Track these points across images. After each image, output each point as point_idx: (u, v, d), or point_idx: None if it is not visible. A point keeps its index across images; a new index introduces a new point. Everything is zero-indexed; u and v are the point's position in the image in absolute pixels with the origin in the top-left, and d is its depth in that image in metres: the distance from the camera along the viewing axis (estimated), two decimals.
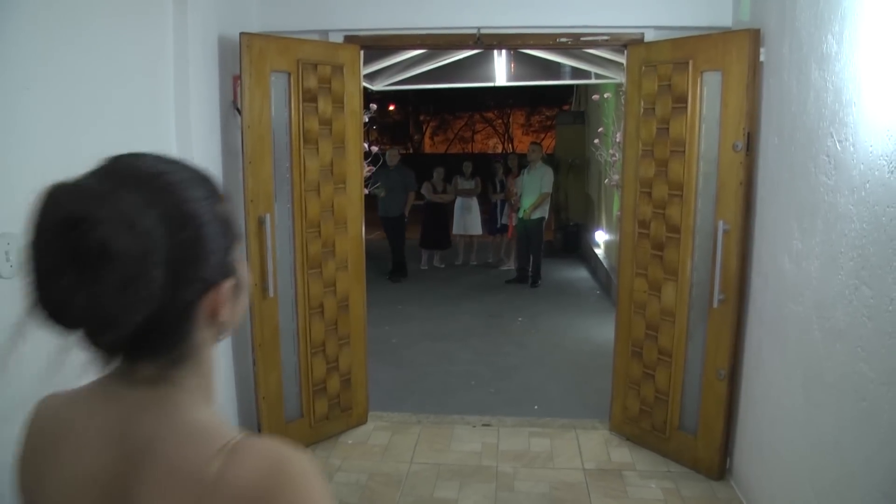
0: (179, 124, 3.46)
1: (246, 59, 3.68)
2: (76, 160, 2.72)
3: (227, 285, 0.90)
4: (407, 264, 10.09)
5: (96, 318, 0.78)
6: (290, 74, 3.88)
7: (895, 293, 2.19)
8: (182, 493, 0.79)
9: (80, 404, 0.94)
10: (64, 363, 0.86)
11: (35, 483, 0.92)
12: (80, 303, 0.77)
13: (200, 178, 0.93)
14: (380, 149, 5.48)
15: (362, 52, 4.24)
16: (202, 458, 0.80)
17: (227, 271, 0.90)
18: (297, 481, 0.81)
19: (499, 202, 10.72)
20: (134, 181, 0.86)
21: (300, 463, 0.82)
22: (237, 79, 3.78)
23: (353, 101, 4.20)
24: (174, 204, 0.84)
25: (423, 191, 10.70)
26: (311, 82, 3.95)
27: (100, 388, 0.91)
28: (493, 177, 10.96)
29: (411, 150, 32.03)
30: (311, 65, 3.94)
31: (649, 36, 4.08)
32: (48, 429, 0.95)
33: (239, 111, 3.79)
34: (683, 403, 4.02)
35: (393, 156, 9.46)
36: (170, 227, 0.81)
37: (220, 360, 3.77)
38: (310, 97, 3.96)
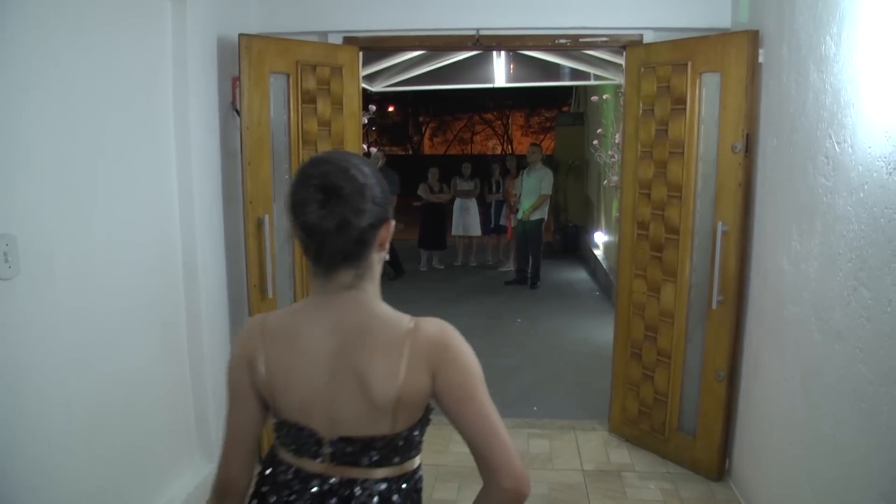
0: (178, 125, 3.46)
1: (245, 61, 3.68)
2: (74, 162, 2.74)
3: (392, 223, 1.46)
4: (402, 263, 10.09)
5: (332, 228, 1.34)
6: (289, 76, 3.88)
7: (893, 295, 2.19)
8: (391, 345, 1.39)
9: (299, 314, 1.49)
10: None
11: (280, 364, 1.45)
12: (325, 221, 1.34)
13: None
14: (378, 149, 5.48)
15: (361, 54, 4.24)
16: (400, 326, 1.42)
17: (391, 215, 1.46)
18: (452, 332, 1.45)
19: (494, 203, 10.72)
20: (352, 156, 1.43)
21: (450, 326, 1.46)
22: (236, 80, 3.78)
23: (352, 103, 4.20)
24: (372, 171, 1.42)
25: (419, 192, 10.70)
26: (310, 83, 3.95)
27: (311, 302, 1.48)
28: (489, 178, 10.96)
29: (411, 152, 32.04)
30: (310, 66, 3.94)
31: (648, 37, 4.08)
32: (284, 330, 1.47)
33: (238, 112, 3.79)
34: (682, 404, 4.02)
35: (376, 158, 9.46)
36: (370, 182, 1.38)
37: (218, 363, 3.78)
38: (309, 98, 3.96)
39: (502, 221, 10.70)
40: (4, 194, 2.32)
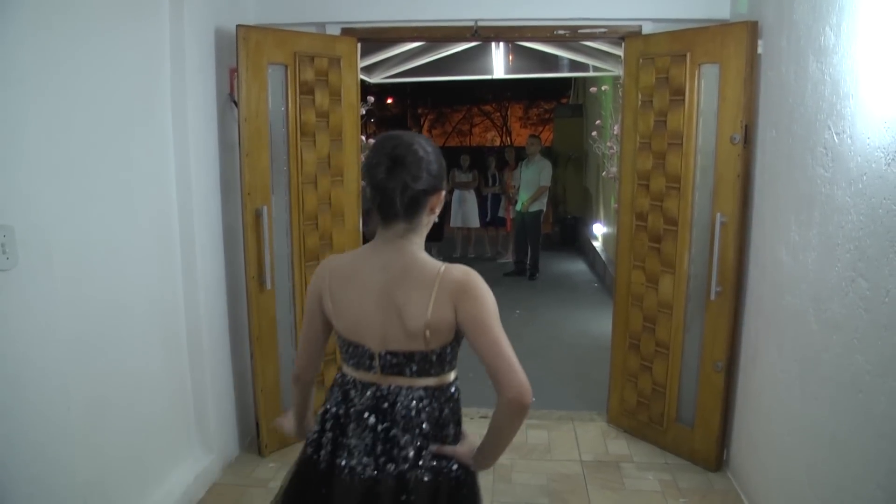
0: (176, 117, 3.46)
1: (242, 52, 3.67)
2: (72, 153, 2.73)
3: (442, 193, 1.85)
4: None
5: (394, 188, 1.73)
6: (286, 67, 3.87)
7: (891, 285, 2.20)
8: (424, 284, 1.77)
9: (359, 256, 1.92)
10: None
11: (341, 294, 1.88)
12: (389, 182, 1.73)
13: None
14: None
15: (359, 45, 4.23)
16: (433, 269, 1.79)
17: (443, 186, 1.85)
18: (474, 276, 1.81)
19: (490, 196, 10.71)
20: (418, 136, 1.82)
21: (474, 271, 1.82)
22: (234, 71, 3.77)
23: (351, 94, 4.19)
24: (433, 150, 1.81)
25: None
26: (308, 75, 3.94)
27: (370, 247, 1.88)
28: (485, 170, 10.95)
29: None
30: (308, 57, 3.93)
31: (647, 28, 4.07)
32: (345, 269, 1.90)
33: (236, 104, 3.78)
34: (681, 395, 4.03)
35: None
36: (429, 157, 1.77)
37: (216, 354, 3.79)
38: (307, 90, 3.95)
39: (500, 213, 10.70)
40: (1, 185, 2.31)
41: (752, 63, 3.49)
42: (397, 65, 7.28)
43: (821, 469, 2.71)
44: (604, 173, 7.04)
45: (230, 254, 3.95)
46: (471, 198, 10.71)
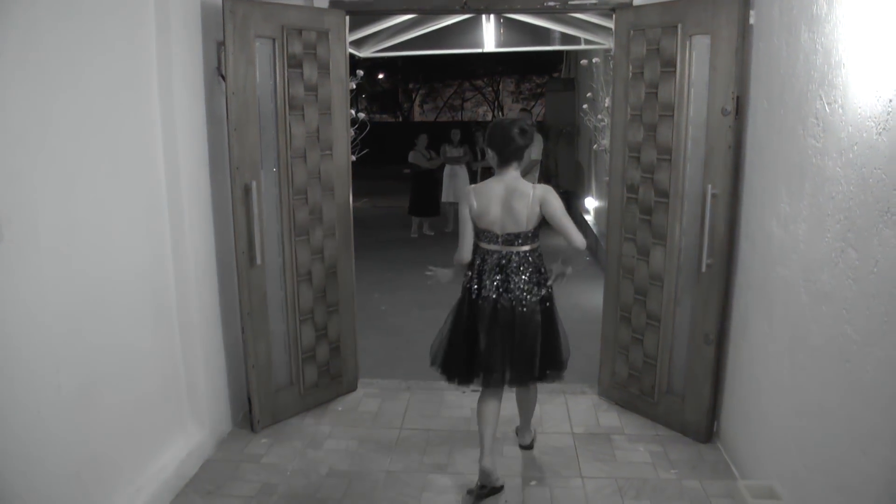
0: (162, 91, 3.42)
1: (230, 25, 3.62)
2: (56, 130, 2.69)
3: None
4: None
5: (519, 144, 3.32)
6: (274, 40, 3.82)
7: (880, 255, 2.20)
8: (525, 195, 3.30)
9: (489, 183, 3.40)
10: None
11: (479, 204, 3.35)
12: (521, 141, 3.32)
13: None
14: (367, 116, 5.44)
15: (348, 18, 4.18)
16: (528, 188, 3.32)
17: (533, 143, 3.47)
18: (550, 191, 3.36)
19: (480, 171, 10.68)
20: (522, 119, 3.67)
21: (551, 188, 3.38)
22: (221, 45, 3.72)
23: (339, 68, 4.15)
24: (531, 126, 3.49)
25: (409, 159, 10.65)
26: (297, 48, 3.90)
27: (493, 179, 3.40)
28: (473, 145, 10.89)
29: (401, 119, 31.83)
30: (296, 30, 3.89)
31: (638, 0, 4.03)
32: (482, 189, 3.39)
33: (223, 78, 3.74)
34: (671, 368, 4.05)
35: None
36: (532, 131, 3.40)
37: (207, 330, 3.78)
38: (295, 63, 3.91)
39: None
40: None
41: (744, 34, 3.47)
42: (387, 38, 7.21)
43: (808, 438, 2.74)
44: (595, 146, 7.02)
45: (220, 229, 3.92)
46: (462, 172, 10.66)
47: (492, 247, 3.40)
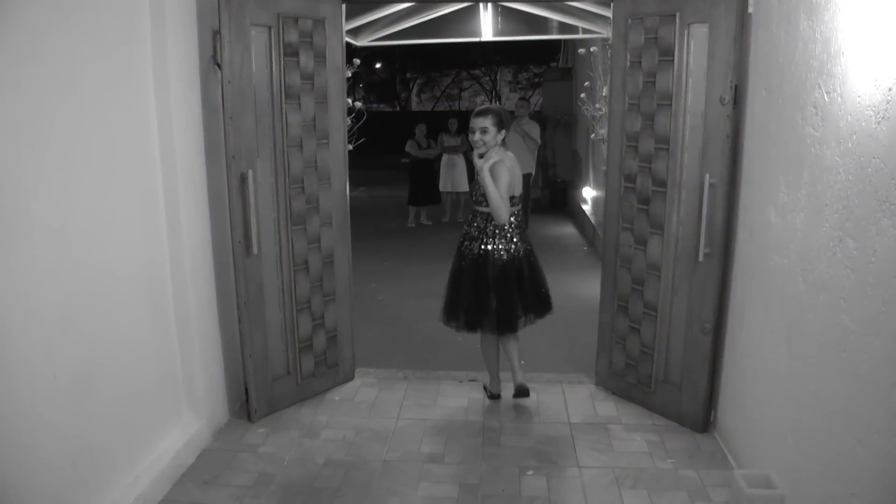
0: (157, 80, 3.40)
1: (225, 13, 3.59)
2: (51, 118, 2.67)
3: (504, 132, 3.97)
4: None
5: (489, 122, 3.90)
6: (270, 28, 3.80)
7: (878, 245, 2.19)
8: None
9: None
10: None
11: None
12: (485, 122, 3.91)
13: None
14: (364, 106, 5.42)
15: (344, 6, 4.16)
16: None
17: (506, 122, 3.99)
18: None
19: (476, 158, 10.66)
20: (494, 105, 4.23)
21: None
22: (217, 33, 3.70)
23: (336, 56, 4.13)
24: (500, 109, 4.12)
25: (407, 148, 10.64)
26: (293, 36, 3.88)
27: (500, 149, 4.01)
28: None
29: (398, 108, 31.76)
30: (292, 18, 3.86)
31: None
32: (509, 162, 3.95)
33: (219, 66, 3.71)
34: (668, 357, 4.05)
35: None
36: (503, 114, 4.01)
37: (204, 319, 3.77)
38: (291, 52, 3.89)
39: None
40: None
41: (743, 22, 3.45)
42: (384, 27, 7.19)
43: (804, 428, 2.74)
44: (593, 136, 7.01)
45: (216, 218, 3.91)
46: (460, 162, 10.65)
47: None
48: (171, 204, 3.53)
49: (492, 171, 3.80)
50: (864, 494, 2.26)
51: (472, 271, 4.02)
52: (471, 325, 4.13)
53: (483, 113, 3.94)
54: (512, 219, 3.97)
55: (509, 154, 3.98)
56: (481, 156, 3.90)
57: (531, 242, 4.19)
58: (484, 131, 3.89)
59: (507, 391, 4.32)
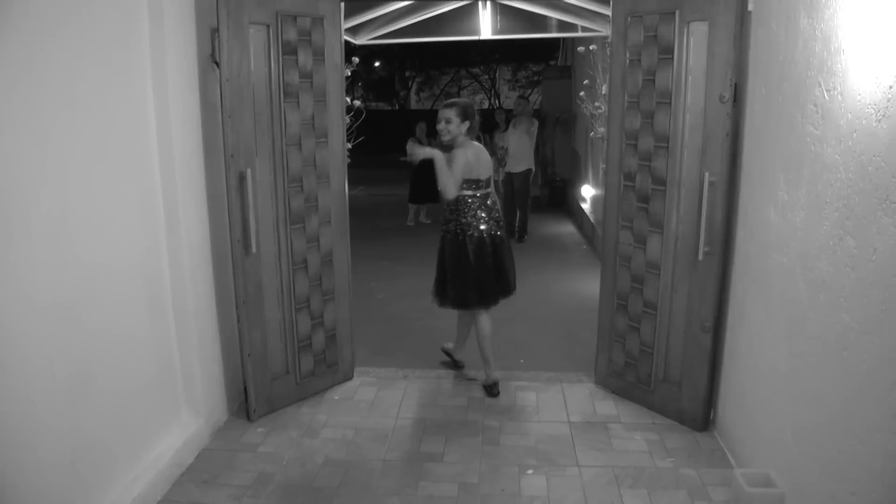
0: (156, 78, 3.39)
1: (223, 11, 3.58)
2: (50, 116, 2.66)
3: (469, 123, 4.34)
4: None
5: (452, 113, 4.28)
6: (268, 26, 3.79)
7: (879, 243, 2.19)
8: (485, 153, 4.53)
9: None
10: None
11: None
12: (449, 113, 4.28)
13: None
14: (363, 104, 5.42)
15: (343, 4, 4.15)
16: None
17: (471, 119, 4.35)
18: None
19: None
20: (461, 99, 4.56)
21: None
22: (215, 31, 3.69)
23: (335, 55, 4.12)
24: (470, 103, 4.46)
25: (408, 147, 10.61)
26: (291, 35, 3.87)
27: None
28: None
29: (397, 107, 31.74)
30: (291, 17, 3.85)
31: None
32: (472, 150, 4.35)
33: (217, 65, 3.70)
34: (668, 356, 4.05)
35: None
36: (468, 107, 4.34)
37: (202, 318, 3.76)
38: (289, 50, 3.88)
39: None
40: None
41: (742, 20, 3.44)
42: (383, 25, 7.17)
43: (804, 427, 2.73)
44: (592, 134, 7.01)
45: (215, 217, 3.90)
46: None
47: (476, 192, 4.32)
48: (169, 203, 3.52)
49: (451, 156, 4.17)
50: (865, 493, 2.25)
51: (446, 249, 4.43)
52: (443, 298, 4.56)
53: (449, 105, 4.31)
54: (489, 201, 4.38)
55: (475, 144, 4.37)
56: (447, 143, 4.30)
57: (502, 227, 4.51)
58: (448, 121, 4.24)
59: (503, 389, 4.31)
